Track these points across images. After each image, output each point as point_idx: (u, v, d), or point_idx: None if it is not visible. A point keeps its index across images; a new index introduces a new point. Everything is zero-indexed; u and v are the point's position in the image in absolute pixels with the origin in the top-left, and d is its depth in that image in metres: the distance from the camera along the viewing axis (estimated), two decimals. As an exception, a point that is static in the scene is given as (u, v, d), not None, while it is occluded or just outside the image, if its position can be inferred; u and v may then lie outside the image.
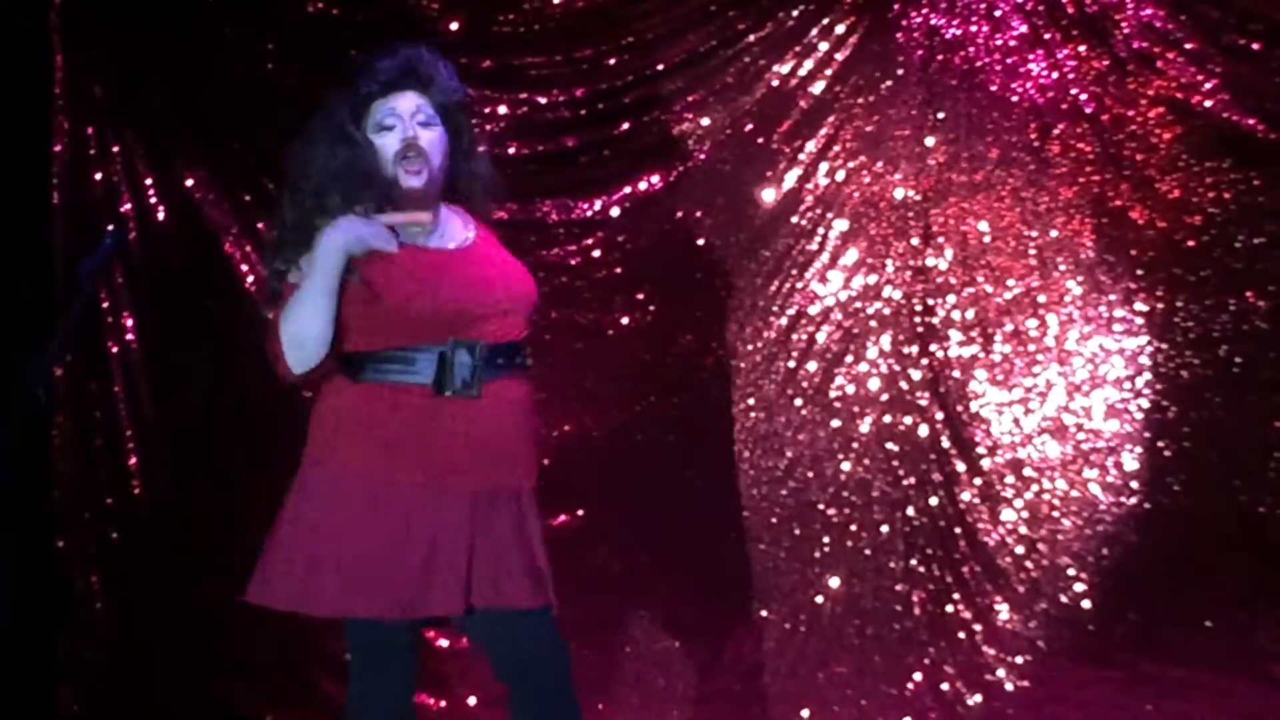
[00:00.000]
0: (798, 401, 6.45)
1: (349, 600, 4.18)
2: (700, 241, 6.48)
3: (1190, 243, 6.29)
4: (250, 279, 6.47)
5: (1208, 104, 6.24)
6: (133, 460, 6.55)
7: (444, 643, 6.48)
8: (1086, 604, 6.35)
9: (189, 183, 6.49)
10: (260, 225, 6.42)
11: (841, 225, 6.45)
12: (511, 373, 4.28)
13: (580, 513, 6.48)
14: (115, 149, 6.48)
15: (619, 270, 6.46)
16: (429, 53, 4.41)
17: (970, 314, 6.41)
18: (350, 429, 4.23)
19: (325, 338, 4.16)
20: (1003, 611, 6.38)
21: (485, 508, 4.23)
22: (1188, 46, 6.24)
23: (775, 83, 6.44)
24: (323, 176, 4.27)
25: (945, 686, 6.36)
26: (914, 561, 6.43)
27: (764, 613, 6.47)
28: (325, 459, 4.25)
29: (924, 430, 6.41)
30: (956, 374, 6.41)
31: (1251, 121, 6.20)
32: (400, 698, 4.44)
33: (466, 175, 4.45)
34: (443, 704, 6.50)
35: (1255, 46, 6.21)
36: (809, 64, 6.42)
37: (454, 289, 4.24)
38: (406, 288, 4.20)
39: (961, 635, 6.38)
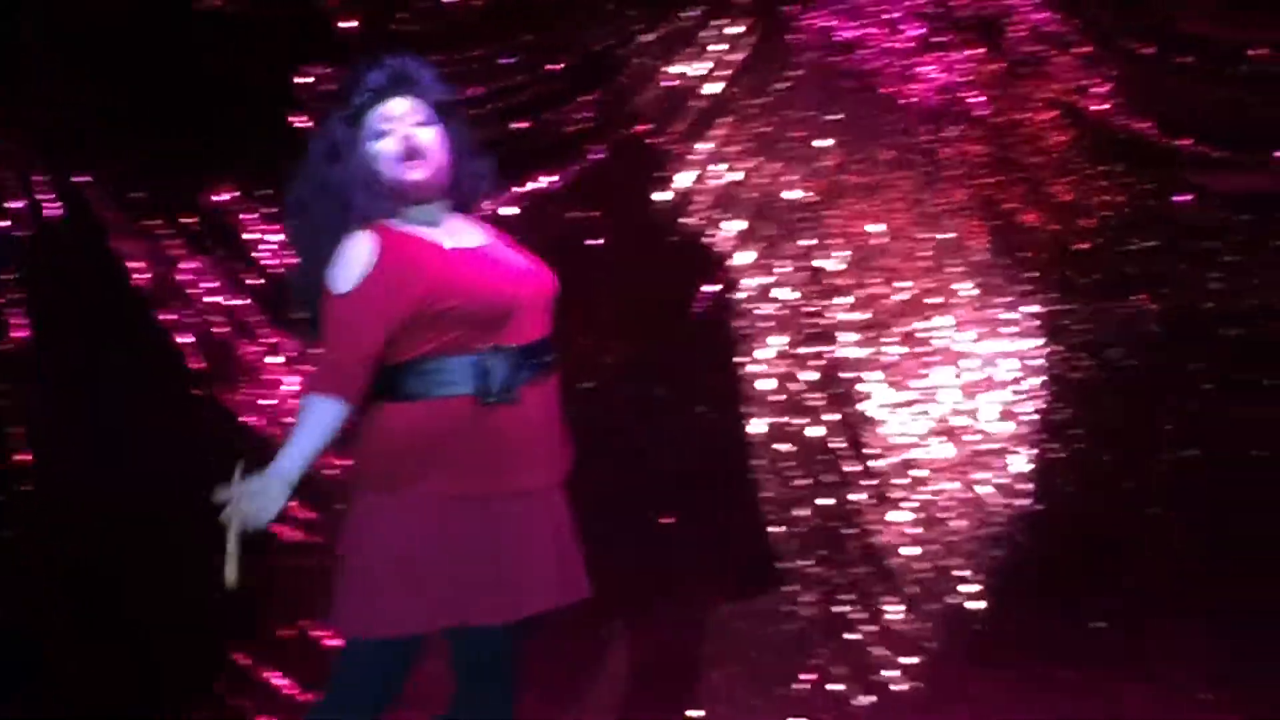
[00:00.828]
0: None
1: (461, 610, 4.22)
2: (595, 242, 6.48)
3: (1082, 246, 6.32)
4: (143, 276, 6.45)
5: (1100, 108, 6.28)
6: (25, 457, 6.52)
7: (338, 644, 6.46)
8: (976, 605, 6.37)
9: (82, 180, 6.46)
10: (153, 223, 6.42)
11: (736, 226, 6.46)
12: (543, 372, 4.35)
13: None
14: (3, 146, 6.45)
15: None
16: (413, 59, 4.47)
17: (863, 315, 6.42)
18: (404, 453, 4.24)
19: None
20: (893, 612, 6.39)
21: (543, 506, 4.31)
22: (1080, 50, 6.27)
23: (670, 84, 6.45)
24: (324, 194, 4.32)
25: (836, 687, 6.38)
26: (805, 562, 6.44)
27: (655, 612, 6.48)
28: (393, 487, 4.25)
29: (816, 431, 6.43)
30: (848, 375, 6.43)
31: (1144, 125, 6.24)
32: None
33: (468, 175, 4.49)
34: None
35: (1147, 51, 6.25)
36: (704, 65, 6.43)
37: (498, 284, 4.28)
38: (449, 290, 4.22)
39: (852, 636, 6.40)
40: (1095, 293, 6.33)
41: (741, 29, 6.43)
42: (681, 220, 6.46)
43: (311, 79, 6.42)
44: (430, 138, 4.36)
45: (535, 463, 4.30)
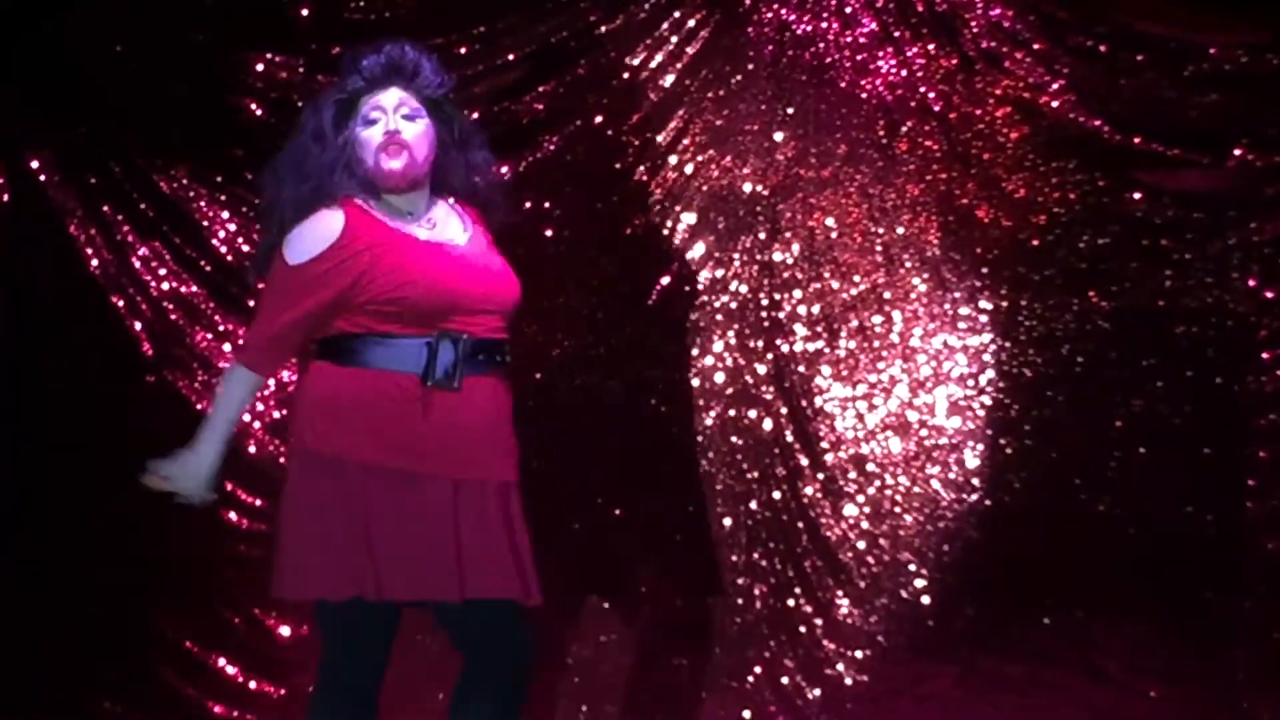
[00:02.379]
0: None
1: (384, 583, 4.25)
2: (548, 233, 6.47)
3: (1035, 242, 6.33)
4: (95, 262, 6.42)
5: (1054, 104, 6.28)
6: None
7: (285, 630, 6.46)
8: (926, 599, 6.38)
9: (34, 164, 6.43)
10: (105, 208, 6.39)
11: (689, 219, 6.46)
12: (492, 370, 4.40)
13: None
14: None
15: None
16: (412, 49, 4.52)
17: (815, 309, 6.43)
18: (342, 416, 4.31)
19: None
20: (843, 606, 6.40)
21: (471, 498, 4.30)
22: (1035, 47, 6.28)
23: (625, 75, 6.44)
24: (300, 171, 4.40)
25: (785, 680, 6.39)
26: (756, 555, 6.44)
27: (605, 604, 6.48)
28: (321, 447, 4.32)
29: (768, 424, 6.44)
30: (801, 369, 6.43)
31: (1097, 122, 6.25)
32: (374, 688, 4.46)
33: (461, 166, 4.54)
34: (283, 691, 6.47)
35: (1102, 48, 6.26)
36: (659, 57, 6.43)
37: (446, 280, 4.33)
38: (399, 275, 4.29)
39: (802, 629, 6.41)
40: (1047, 289, 6.34)
41: (696, 21, 6.43)
42: (635, 212, 6.46)
43: (263, 65, 6.41)
44: (415, 131, 4.43)
45: (474, 455, 4.33)
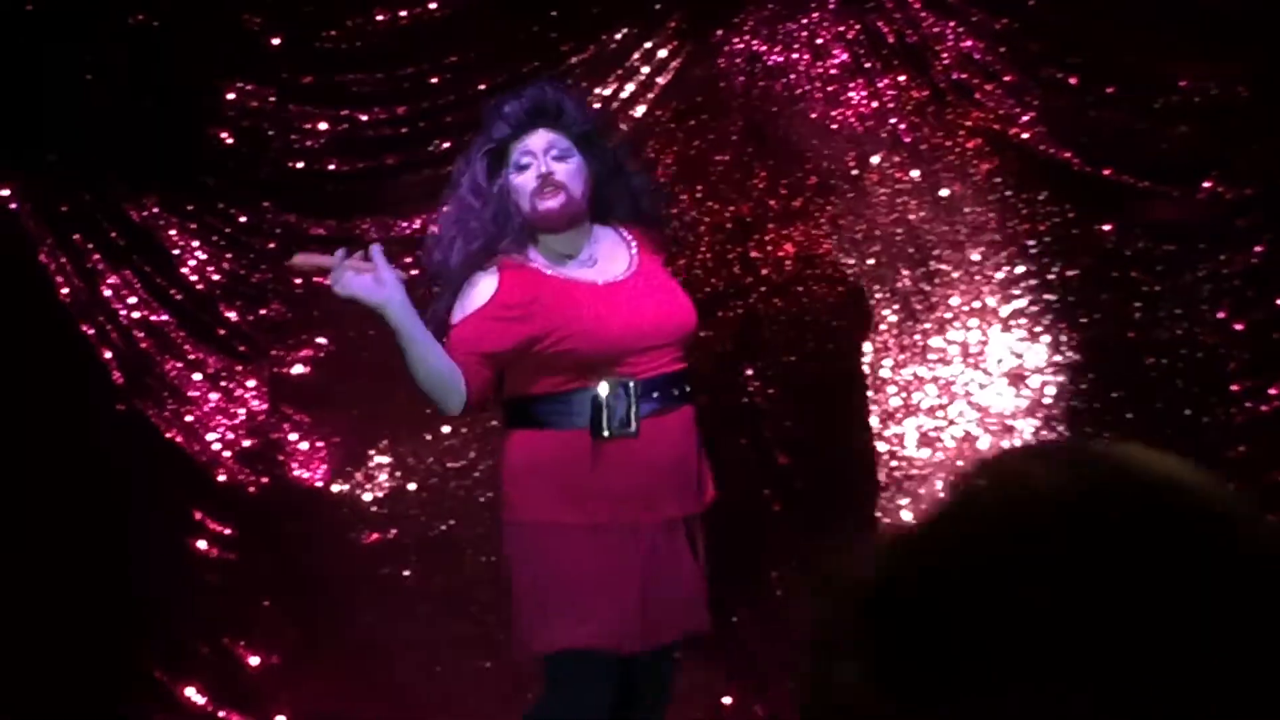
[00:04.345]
0: (614, 423, 6.46)
1: (595, 634, 4.36)
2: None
3: (1004, 273, 6.34)
4: (65, 290, 6.42)
5: (1025, 136, 6.30)
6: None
7: (254, 660, 6.45)
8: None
9: (4, 192, 6.42)
10: (76, 236, 6.39)
11: (660, 249, 6.46)
12: (670, 405, 4.43)
13: (392, 532, 6.47)
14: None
15: (437, 288, 6.43)
16: (553, 88, 4.61)
17: (786, 339, 6.43)
18: (526, 481, 4.46)
19: (444, 383, 4.40)
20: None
21: (655, 540, 4.39)
22: (1006, 79, 6.29)
23: (597, 105, 6.43)
24: (466, 229, 4.50)
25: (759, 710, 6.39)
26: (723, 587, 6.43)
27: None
28: (513, 516, 4.50)
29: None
30: (770, 401, 6.43)
31: (1068, 154, 6.26)
32: None
33: (623, 195, 4.60)
34: (252, 721, 6.48)
35: (1072, 80, 6.27)
36: (630, 87, 6.43)
37: (611, 324, 4.40)
38: (562, 327, 4.37)
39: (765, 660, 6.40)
40: (1017, 320, 6.34)
41: (668, 52, 6.44)
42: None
43: (235, 95, 6.41)
44: (568, 169, 4.47)
45: (658, 495, 4.39)
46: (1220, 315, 6.23)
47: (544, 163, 4.44)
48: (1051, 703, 1.05)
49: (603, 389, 4.35)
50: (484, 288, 4.43)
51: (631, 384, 4.35)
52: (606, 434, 4.34)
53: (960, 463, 6.34)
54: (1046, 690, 1.05)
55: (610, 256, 4.52)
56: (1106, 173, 6.24)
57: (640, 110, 6.44)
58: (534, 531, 4.44)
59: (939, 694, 1.08)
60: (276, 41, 6.44)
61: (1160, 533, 1.11)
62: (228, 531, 6.43)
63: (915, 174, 6.36)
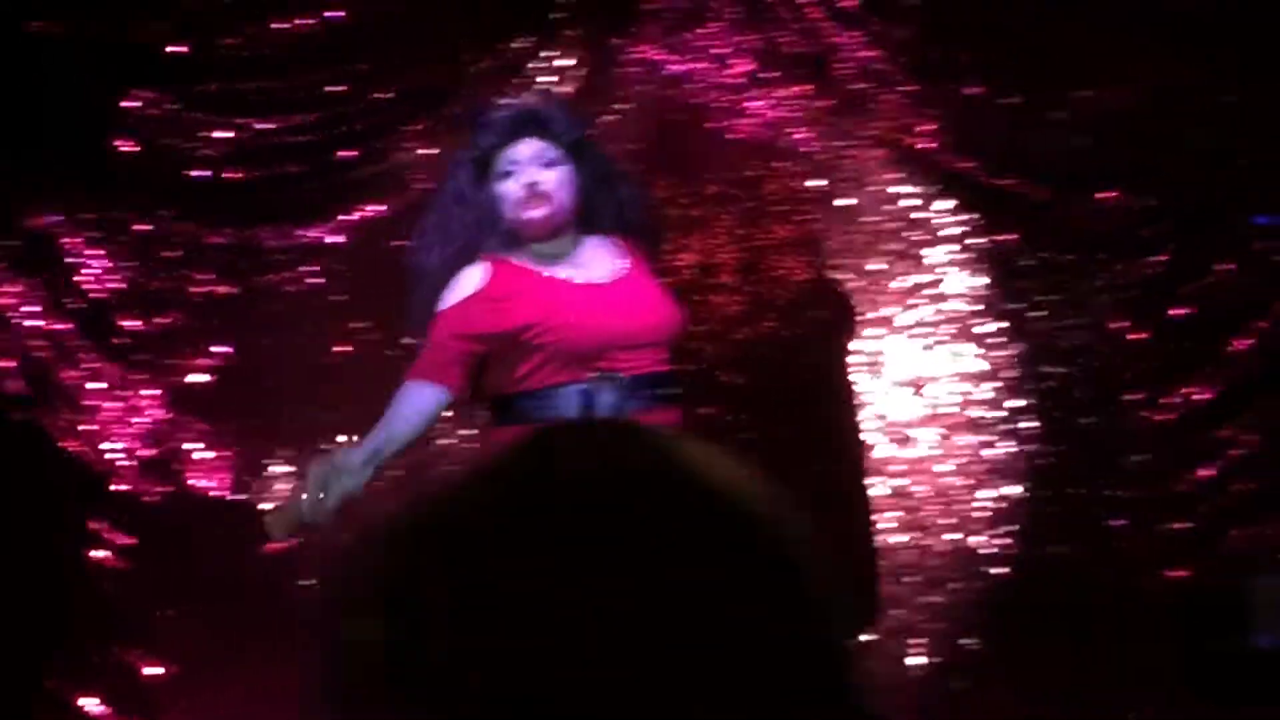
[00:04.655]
0: (515, 433, 6.45)
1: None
2: (421, 271, 6.45)
3: (907, 283, 6.35)
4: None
5: (925, 146, 6.31)
6: None
7: (153, 670, 6.42)
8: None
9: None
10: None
11: (561, 258, 6.45)
12: (657, 404, 4.38)
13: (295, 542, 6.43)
14: None
15: (337, 298, 6.43)
16: (543, 100, 4.79)
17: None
18: None
19: (415, 429, 4.46)
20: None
21: None
22: (906, 89, 6.31)
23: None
24: (445, 234, 4.49)
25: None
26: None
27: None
28: None
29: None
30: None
31: (968, 164, 6.28)
32: None
33: (609, 205, 4.56)
34: (149, 731, 6.44)
35: (973, 91, 6.29)
36: (533, 96, 6.42)
37: (596, 320, 4.37)
38: (549, 319, 4.34)
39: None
40: (919, 331, 6.36)
41: (571, 61, 6.43)
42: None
43: (138, 103, 6.39)
44: (554, 179, 4.45)
45: None
46: (1120, 325, 6.26)
47: (529, 171, 4.44)
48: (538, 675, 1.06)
49: (592, 384, 4.35)
50: (473, 277, 4.43)
51: (620, 380, 4.35)
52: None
53: (857, 473, 6.36)
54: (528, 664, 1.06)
55: (596, 261, 4.51)
56: (1007, 183, 6.26)
57: (541, 119, 6.42)
58: None
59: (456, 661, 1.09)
60: (177, 50, 6.41)
61: (653, 528, 1.11)
62: (127, 541, 6.39)
63: (815, 184, 6.37)
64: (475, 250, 4.46)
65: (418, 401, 4.44)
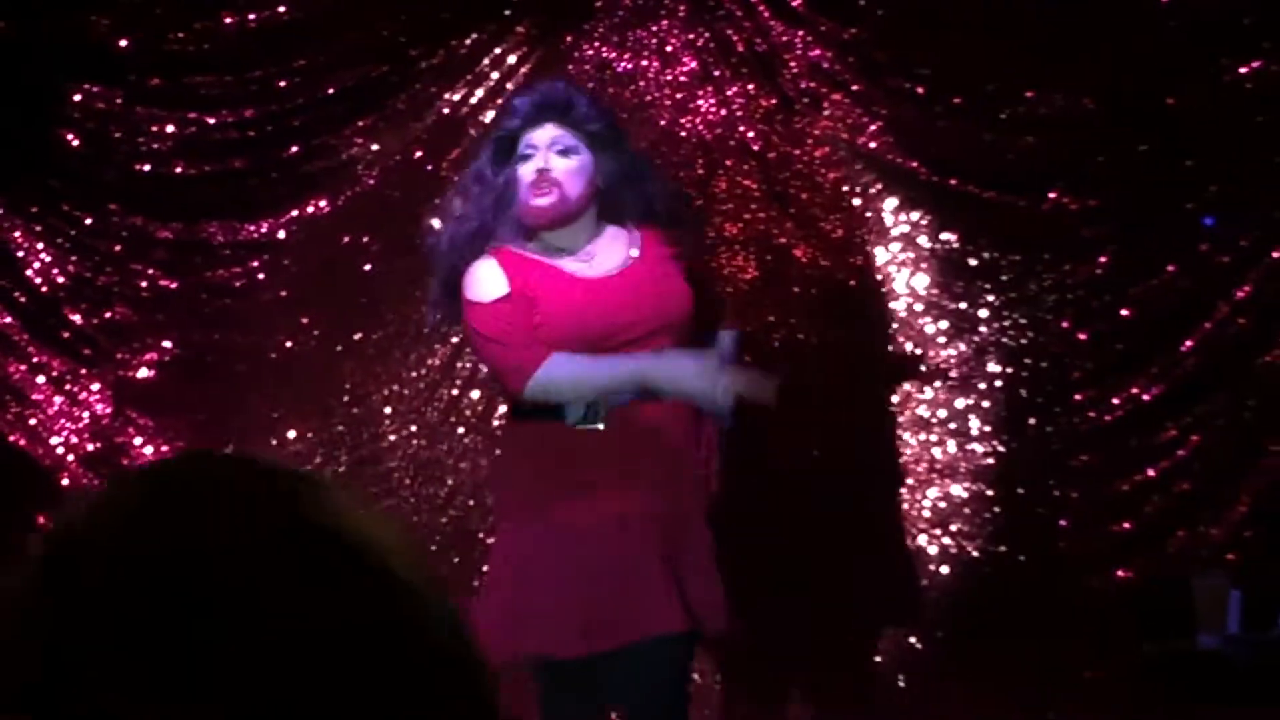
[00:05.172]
0: (460, 430, 6.45)
1: (539, 640, 4.30)
2: (367, 267, 6.46)
3: (852, 282, 6.37)
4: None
5: (872, 145, 6.33)
6: None
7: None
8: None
9: None
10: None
11: (508, 255, 6.45)
12: (645, 397, 4.32)
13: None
14: None
15: (284, 293, 6.42)
16: (566, 86, 4.60)
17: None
18: (514, 476, 4.49)
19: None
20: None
21: (645, 534, 4.28)
22: (854, 88, 6.32)
23: (446, 110, 6.44)
24: (462, 213, 4.49)
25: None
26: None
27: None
28: (504, 512, 4.56)
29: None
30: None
31: (914, 164, 6.30)
32: None
33: (637, 197, 4.52)
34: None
35: (919, 90, 6.31)
36: (480, 93, 6.43)
37: (592, 314, 4.36)
38: (546, 315, 4.35)
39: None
40: (864, 328, 6.37)
41: (517, 57, 6.44)
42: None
43: (81, 96, 6.37)
44: (568, 166, 4.42)
45: (632, 488, 4.28)
46: (1064, 325, 6.29)
47: (544, 156, 4.42)
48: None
49: None
50: (493, 274, 4.39)
51: None
52: (571, 421, 4.31)
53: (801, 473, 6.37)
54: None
55: (608, 253, 4.49)
56: (953, 182, 6.29)
57: (489, 115, 6.41)
58: (502, 533, 4.48)
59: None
60: (124, 43, 6.41)
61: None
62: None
63: (763, 182, 6.38)
64: (490, 234, 4.44)
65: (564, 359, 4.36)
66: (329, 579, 1.09)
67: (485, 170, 4.49)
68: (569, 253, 4.45)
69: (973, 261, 6.32)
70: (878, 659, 6.33)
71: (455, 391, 6.44)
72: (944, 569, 6.33)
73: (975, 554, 6.31)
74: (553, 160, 4.41)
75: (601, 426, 4.30)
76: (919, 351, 6.34)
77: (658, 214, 4.57)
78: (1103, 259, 6.26)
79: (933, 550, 6.31)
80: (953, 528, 6.32)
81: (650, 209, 4.56)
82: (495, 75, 6.42)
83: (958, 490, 6.34)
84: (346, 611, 1.08)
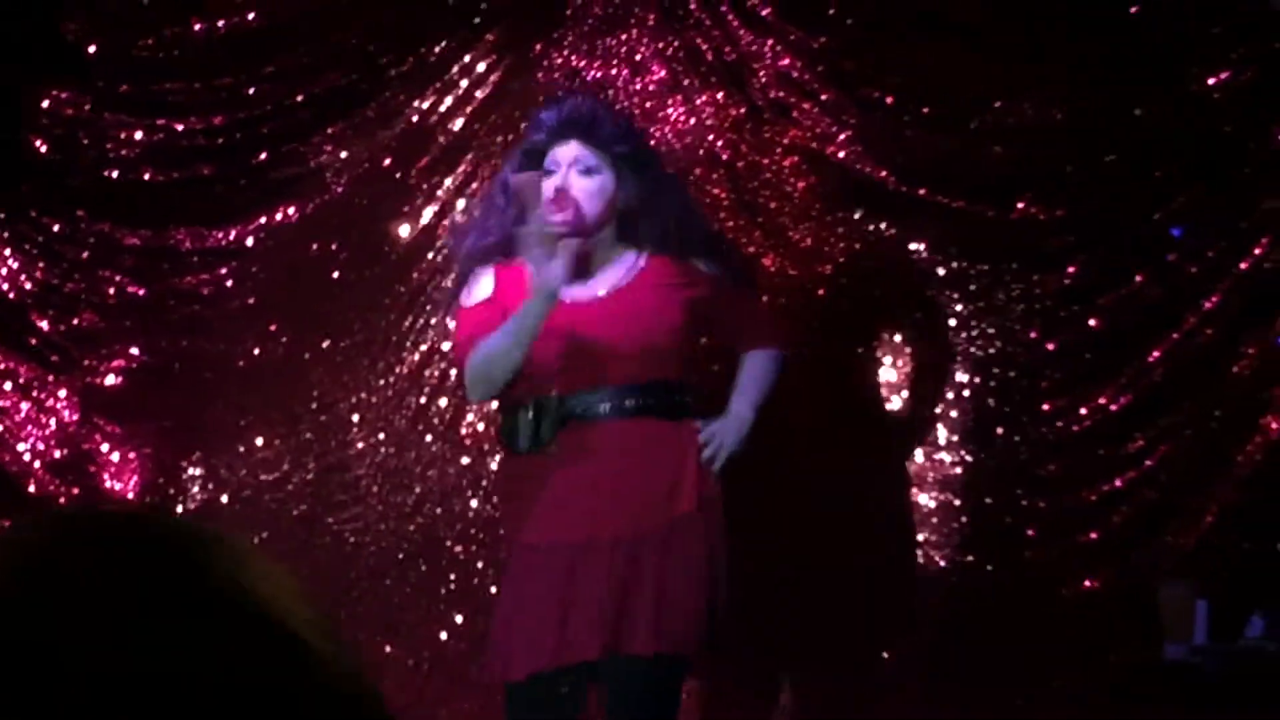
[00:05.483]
0: (428, 438, 6.44)
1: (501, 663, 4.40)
2: (335, 275, 6.45)
3: (821, 291, 6.36)
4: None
5: (841, 155, 6.33)
6: None
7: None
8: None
9: None
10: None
11: (477, 262, 6.45)
12: (621, 416, 4.38)
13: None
14: None
15: (252, 301, 6.42)
16: (592, 102, 4.63)
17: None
18: (500, 497, 4.74)
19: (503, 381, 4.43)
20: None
21: (577, 558, 4.32)
22: (823, 97, 6.32)
23: (415, 118, 6.43)
24: (485, 223, 4.53)
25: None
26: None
27: (387, 648, 6.44)
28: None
29: (552, 468, 6.43)
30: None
31: (883, 173, 6.30)
32: None
33: (654, 225, 4.52)
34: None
35: (888, 100, 6.31)
36: (449, 101, 6.42)
37: (553, 338, 4.36)
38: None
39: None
40: (833, 337, 6.37)
41: (486, 65, 6.43)
42: (424, 256, 6.44)
43: (49, 102, 6.36)
44: (587, 186, 4.43)
45: (584, 513, 4.28)
46: (1032, 335, 6.29)
47: (564, 174, 4.41)
48: None
49: (529, 405, 4.34)
50: (485, 283, 4.49)
51: (551, 399, 4.33)
52: (524, 448, 4.32)
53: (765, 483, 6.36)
54: None
55: (609, 276, 4.49)
56: (921, 192, 6.28)
57: (459, 124, 6.43)
58: (506, 552, 4.60)
59: None
60: (93, 49, 6.40)
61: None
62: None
63: (732, 191, 6.38)
64: (509, 245, 4.46)
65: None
66: (218, 642, 1.07)
67: (510, 180, 4.50)
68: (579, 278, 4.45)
69: (941, 271, 6.31)
70: (844, 669, 6.32)
71: (423, 399, 6.43)
72: (911, 578, 6.32)
73: (942, 563, 6.31)
74: (573, 178, 4.42)
75: (553, 449, 4.31)
76: (887, 361, 6.35)
77: (670, 244, 4.53)
78: (1071, 269, 6.25)
79: (901, 560, 6.31)
80: (920, 537, 6.32)
81: (665, 238, 4.53)
82: (464, 83, 6.42)
83: (925, 500, 6.34)
84: (239, 677, 1.06)
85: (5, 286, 6.37)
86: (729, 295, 4.62)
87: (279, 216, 6.42)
